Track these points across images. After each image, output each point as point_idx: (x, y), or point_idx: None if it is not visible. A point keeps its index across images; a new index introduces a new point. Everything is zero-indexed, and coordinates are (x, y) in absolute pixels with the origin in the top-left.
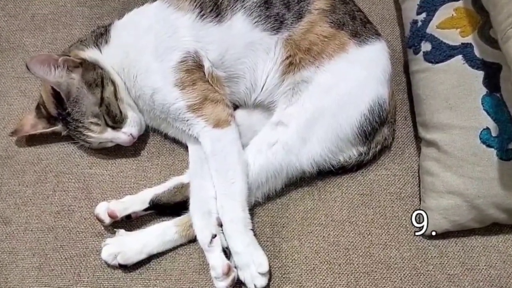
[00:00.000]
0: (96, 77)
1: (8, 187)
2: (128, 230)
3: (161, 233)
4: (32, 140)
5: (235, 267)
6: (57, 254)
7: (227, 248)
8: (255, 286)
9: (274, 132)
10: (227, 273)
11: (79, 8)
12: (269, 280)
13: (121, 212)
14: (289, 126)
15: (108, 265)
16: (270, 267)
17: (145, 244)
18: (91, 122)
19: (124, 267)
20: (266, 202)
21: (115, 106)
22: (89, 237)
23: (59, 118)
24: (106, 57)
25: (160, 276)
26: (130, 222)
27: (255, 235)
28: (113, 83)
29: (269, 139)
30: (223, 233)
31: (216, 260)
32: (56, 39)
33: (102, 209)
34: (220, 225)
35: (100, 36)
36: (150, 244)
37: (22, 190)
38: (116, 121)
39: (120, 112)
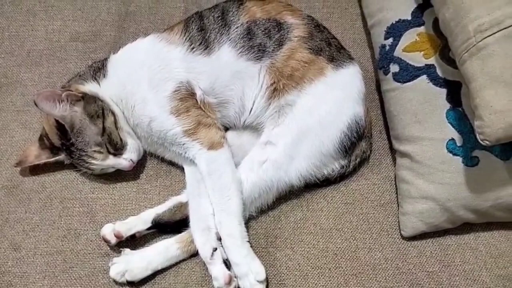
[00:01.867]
0: (97, 109)
1: (16, 215)
2: (133, 249)
3: (164, 250)
4: (36, 169)
5: (235, 277)
6: (67, 275)
7: (227, 259)
8: None
9: (263, 151)
10: (228, 283)
11: (72, 43)
12: (267, 286)
13: (126, 233)
14: (277, 145)
15: (116, 283)
16: (266, 275)
17: (150, 261)
18: (94, 151)
19: (131, 283)
20: (259, 216)
21: (115, 134)
22: (96, 258)
23: (63, 148)
24: (105, 89)
25: None
26: (135, 241)
27: (251, 246)
28: (113, 113)
29: (259, 158)
30: (222, 246)
31: (218, 272)
32: (52, 73)
33: (108, 231)
34: (219, 239)
35: (98, 70)
36: (155, 261)
37: (29, 217)
38: (117, 148)
39: (121, 139)
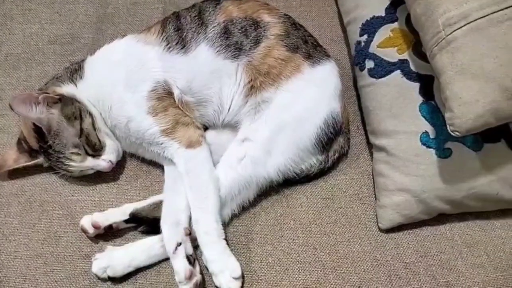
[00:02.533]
0: (74, 110)
1: None
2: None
3: (147, 248)
4: (14, 173)
5: (200, 272)
6: (47, 278)
7: (191, 255)
8: None
9: (241, 148)
10: (189, 277)
11: (50, 46)
12: (243, 283)
13: (103, 222)
14: (254, 141)
15: (99, 278)
16: (242, 271)
17: (132, 258)
18: (72, 153)
19: (113, 279)
20: (240, 213)
21: (94, 136)
22: (77, 260)
23: (41, 151)
24: (82, 91)
25: None
26: (118, 240)
27: (232, 243)
28: (90, 115)
29: (237, 154)
30: (189, 242)
31: (179, 266)
32: (31, 76)
33: (86, 221)
34: (187, 234)
35: (75, 72)
36: (137, 258)
37: (8, 221)
38: (95, 149)
39: (99, 141)
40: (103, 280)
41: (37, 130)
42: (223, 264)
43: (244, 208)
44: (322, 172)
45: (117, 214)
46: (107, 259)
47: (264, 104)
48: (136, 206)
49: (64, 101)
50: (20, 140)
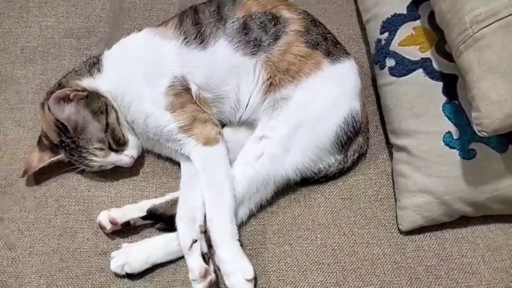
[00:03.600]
0: (100, 105)
1: (10, 214)
2: None
3: (164, 245)
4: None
5: (216, 272)
6: (63, 274)
7: (206, 254)
8: None
9: (258, 145)
10: (204, 276)
11: (66, 39)
12: (255, 286)
13: (121, 219)
14: (272, 138)
15: (115, 280)
16: (255, 274)
17: (149, 255)
18: (96, 148)
19: (131, 276)
20: (258, 212)
21: (118, 130)
22: (93, 256)
23: (62, 145)
24: (102, 85)
25: (164, 287)
26: (135, 236)
27: (249, 242)
28: (115, 109)
29: (255, 152)
30: (204, 240)
31: (194, 263)
32: (47, 70)
33: (104, 217)
34: (203, 232)
35: (93, 65)
36: (154, 254)
37: (24, 216)
38: (119, 144)
39: (123, 135)
40: (122, 276)
41: (60, 125)
42: (236, 265)
43: (262, 207)
44: (341, 172)
45: (134, 210)
46: (124, 256)
47: (283, 101)
48: (154, 202)
49: (90, 96)
50: (40, 137)
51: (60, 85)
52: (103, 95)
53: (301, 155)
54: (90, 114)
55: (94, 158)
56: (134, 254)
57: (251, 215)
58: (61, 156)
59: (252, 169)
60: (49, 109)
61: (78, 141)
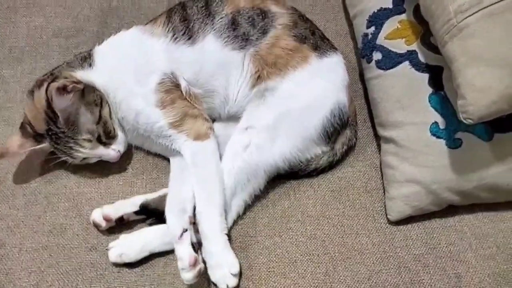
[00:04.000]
0: (95, 98)
1: (0, 211)
2: None
3: (162, 234)
4: (20, 165)
5: (204, 263)
6: (53, 270)
7: (195, 243)
8: (227, 286)
9: (244, 136)
10: (193, 264)
11: (55, 39)
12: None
13: (114, 214)
14: (258, 128)
15: (106, 275)
16: (241, 268)
17: (146, 243)
18: (84, 139)
19: (129, 265)
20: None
21: (110, 124)
22: (83, 252)
23: (48, 134)
24: (95, 79)
25: (155, 281)
26: (128, 231)
27: (239, 235)
28: (108, 104)
29: (242, 142)
30: (194, 232)
31: (184, 252)
32: (35, 69)
33: (97, 215)
34: (192, 223)
35: (84, 59)
36: (151, 243)
37: (13, 213)
38: (110, 137)
39: (114, 129)
40: (112, 271)
41: (50, 115)
42: (222, 258)
43: (256, 198)
44: (331, 166)
45: (127, 206)
46: (120, 247)
47: (269, 92)
48: (146, 197)
49: (86, 88)
50: (23, 124)
51: (52, 75)
52: (98, 89)
53: (288, 144)
54: (83, 106)
55: (81, 149)
56: (131, 243)
57: (247, 208)
58: (44, 145)
59: (241, 159)
60: (48, 98)
61: (67, 131)
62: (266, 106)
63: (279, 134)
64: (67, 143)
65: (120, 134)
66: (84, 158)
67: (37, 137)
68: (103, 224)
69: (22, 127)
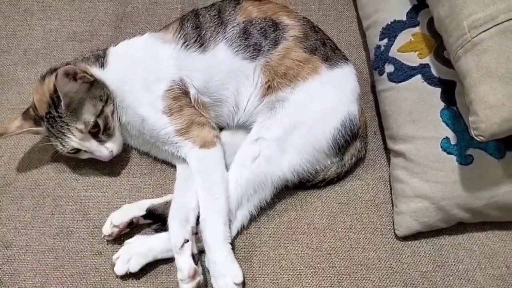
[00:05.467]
0: (102, 94)
1: (8, 212)
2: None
3: (166, 240)
4: (29, 167)
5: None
6: (58, 273)
7: (196, 254)
8: None
9: (254, 146)
10: (193, 276)
11: (69, 42)
12: None
13: (123, 220)
14: (268, 139)
15: (109, 281)
16: (244, 278)
17: (150, 248)
18: (77, 128)
19: (132, 275)
20: (258, 214)
21: (111, 121)
22: (88, 256)
23: (46, 116)
24: (106, 79)
25: None
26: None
27: (244, 245)
28: (113, 105)
29: (251, 153)
30: (195, 242)
31: (184, 263)
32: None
33: (108, 229)
34: (194, 234)
35: (99, 58)
36: (156, 249)
37: (21, 214)
38: (108, 134)
39: (113, 127)
40: (116, 277)
41: (54, 98)
42: (226, 267)
43: (262, 210)
44: (339, 177)
45: (134, 209)
46: (125, 254)
47: (279, 103)
48: (153, 202)
49: (95, 83)
50: (28, 108)
51: (67, 65)
52: (108, 88)
53: (298, 156)
54: (88, 97)
55: (71, 136)
56: (135, 248)
57: (252, 219)
58: (40, 128)
59: (249, 171)
60: (56, 77)
61: (65, 117)
62: (276, 117)
63: (289, 146)
64: (61, 128)
65: (117, 135)
66: (76, 152)
67: (38, 120)
68: (115, 230)
69: (26, 111)
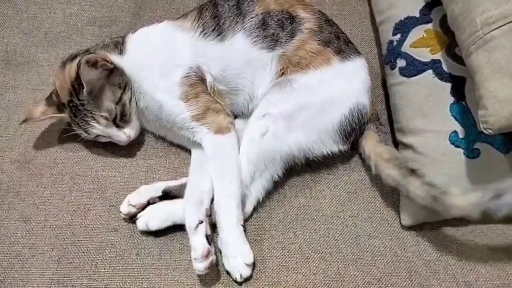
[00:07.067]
0: (121, 82)
1: (27, 189)
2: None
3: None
4: (49, 145)
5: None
6: (75, 248)
7: (209, 236)
8: (240, 275)
9: (262, 122)
10: (206, 256)
11: (89, 27)
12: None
13: (140, 200)
14: (275, 115)
15: (124, 254)
16: (255, 259)
17: (170, 213)
18: (102, 116)
19: (153, 233)
20: (264, 200)
21: (128, 108)
22: (104, 232)
23: (69, 105)
24: (124, 66)
25: (171, 265)
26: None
27: (254, 228)
28: (131, 92)
29: (259, 129)
30: (208, 224)
31: (198, 243)
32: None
33: (125, 206)
34: (208, 215)
35: (117, 45)
36: (176, 214)
37: (40, 191)
38: (124, 120)
39: (130, 114)
40: (130, 253)
41: (76, 86)
42: (237, 248)
43: (268, 196)
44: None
45: (150, 191)
46: (148, 215)
47: (288, 82)
48: (168, 184)
49: (115, 70)
50: (51, 94)
51: (87, 51)
52: (127, 75)
53: (304, 135)
54: (107, 84)
55: (96, 125)
56: (157, 211)
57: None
58: (63, 115)
59: (258, 147)
60: (78, 68)
61: (87, 105)
62: (285, 95)
63: (296, 124)
64: (85, 117)
65: (134, 121)
66: (97, 136)
67: (60, 107)
68: (132, 210)
69: (49, 96)
